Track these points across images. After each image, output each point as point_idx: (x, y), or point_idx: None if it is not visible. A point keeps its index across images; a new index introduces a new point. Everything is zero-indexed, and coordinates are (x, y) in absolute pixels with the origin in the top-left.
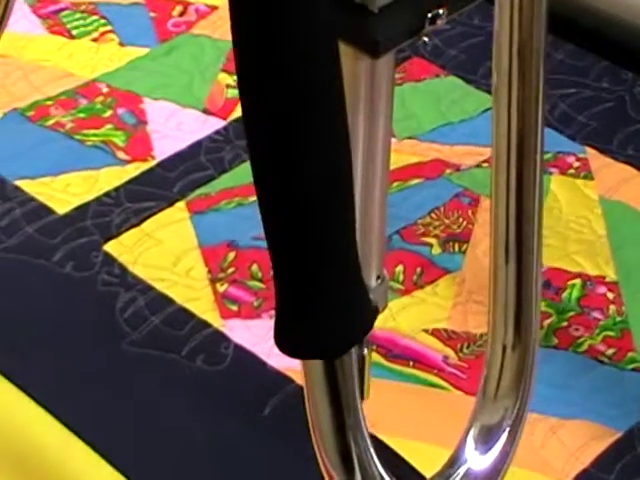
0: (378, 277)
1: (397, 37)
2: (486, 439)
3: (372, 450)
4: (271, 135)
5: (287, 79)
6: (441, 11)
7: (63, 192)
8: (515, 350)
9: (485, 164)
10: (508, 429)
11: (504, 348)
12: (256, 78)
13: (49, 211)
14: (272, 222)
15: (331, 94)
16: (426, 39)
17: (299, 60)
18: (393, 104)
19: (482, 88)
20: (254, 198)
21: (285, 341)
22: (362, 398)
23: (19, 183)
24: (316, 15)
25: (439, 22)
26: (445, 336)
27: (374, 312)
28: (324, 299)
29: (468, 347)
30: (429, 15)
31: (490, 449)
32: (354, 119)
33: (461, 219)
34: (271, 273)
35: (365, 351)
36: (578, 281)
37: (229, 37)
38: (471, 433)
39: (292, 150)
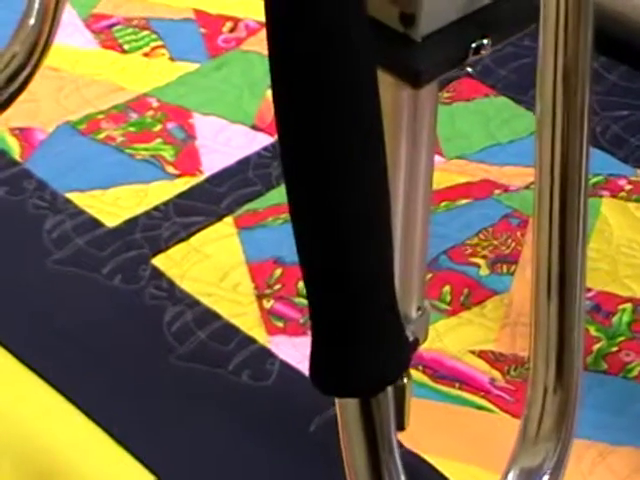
0: (419, 308)
1: (440, 67)
2: None
3: None
4: (307, 167)
5: (325, 109)
6: (485, 41)
7: (113, 205)
8: (557, 392)
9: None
10: (549, 473)
11: (545, 389)
12: (292, 104)
13: (99, 224)
14: (307, 257)
15: (370, 128)
16: (470, 69)
17: (337, 91)
18: (435, 133)
19: (532, 109)
20: None
21: (319, 377)
22: (400, 429)
23: (70, 196)
24: (355, 46)
25: (483, 52)
26: (492, 358)
27: (411, 348)
28: (360, 336)
29: (515, 369)
30: (473, 45)
31: None
32: (396, 149)
33: (510, 240)
34: None
35: (405, 380)
36: (629, 305)
37: None
38: (510, 476)
39: (329, 184)
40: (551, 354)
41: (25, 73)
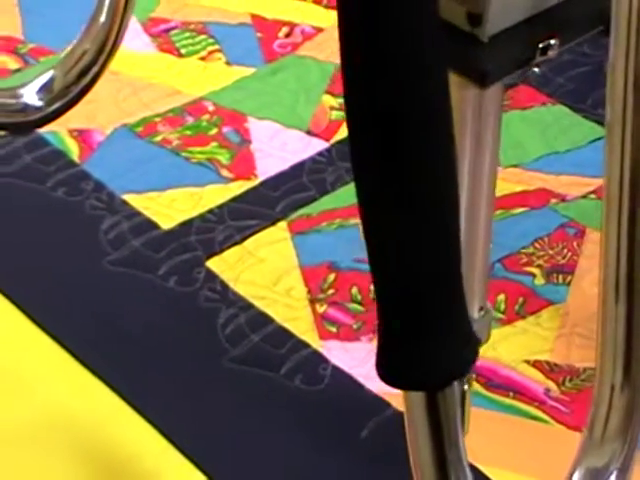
0: (481, 308)
1: (506, 67)
2: None
3: None
4: (378, 165)
5: (397, 110)
6: (553, 41)
7: (168, 207)
8: (624, 391)
9: (592, 195)
10: (616, 473)
11: (612, 388)
12: (364, 107)
13: (154, 226)
14: (378, 251)
15: (441, 127)
16: (536, 69)
17: (408, 92)
18: (500, 135)
19: (590, 118)
20: (356, 220)
21: (386, 370)
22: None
23: (126, 197)
24: (426, 48)
25: (550, 53)
26: (547, 368)
27: (478, 345)
28: (428, 330)
29: (571, 380)
30: (540, 45)
31: None
32: (460, 149)
33: (566, 250)
34: (371, 296)
35: (465, 386)
36: None
37: (334, 59)
38: (576, 476)
39: (402, 180)
40: (618, 352)
41: (95, 69)
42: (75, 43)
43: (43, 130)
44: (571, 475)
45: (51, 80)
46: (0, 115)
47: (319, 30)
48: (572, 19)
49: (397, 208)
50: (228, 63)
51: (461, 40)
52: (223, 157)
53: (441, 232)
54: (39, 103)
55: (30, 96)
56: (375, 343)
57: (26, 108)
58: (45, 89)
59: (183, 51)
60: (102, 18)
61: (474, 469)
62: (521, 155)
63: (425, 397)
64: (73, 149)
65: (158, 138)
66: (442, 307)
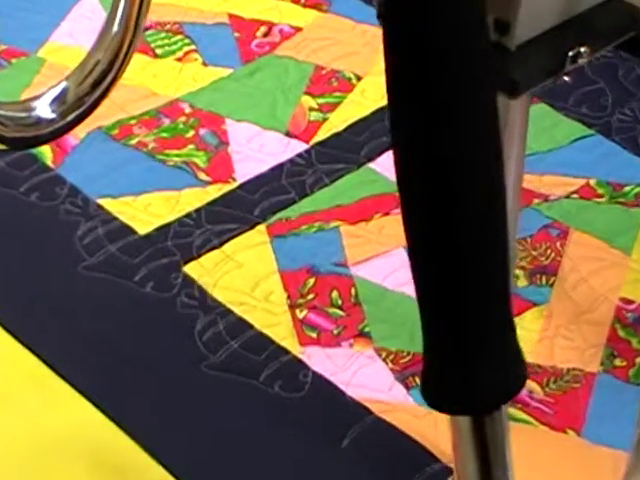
0: None
1: (535, 77)
2: None
3: None
4: (427, 184)
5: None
6: (583, 49)
7: (144, 212)
8: None
9: (575, 195)
10: None
11: None
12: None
13: (130, 231)
14: (422, 272)
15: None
16: (567, 78)
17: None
18: (525, 145)
19: (572, 116)
20: (335, 223)
21: (432, 392)
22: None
23: (101, 202)
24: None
25: (581, 61)
26: (530, 370)
27: (525, 364)
28: (478, 349)
29: (555, 382)
30: (570, 54)
31: None
32: None
33: (549, 251)
34: (352, 300)
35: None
36: None
37: (313, 59)
38: None
39: (452, 197)
40: None
41: (109, 79)
42: (88, 53)
43: None
44: None
45: (64, 92)
46: (14, 129)
47: (298, 29)
48: (602, 26)
49: (443, 223)
50: (205, 64)
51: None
52: (200, 160)
53: (489, 249)
54: (52, 115)
55: (43, 109)
56: (355, 349)
57: (39, 121)
58: (58, 101)
59: (159, 52)
60: (115, 27)
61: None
62: None
63: (472, 421)
64: (47, 153)
65: (133, 141)
66: (490, 328)
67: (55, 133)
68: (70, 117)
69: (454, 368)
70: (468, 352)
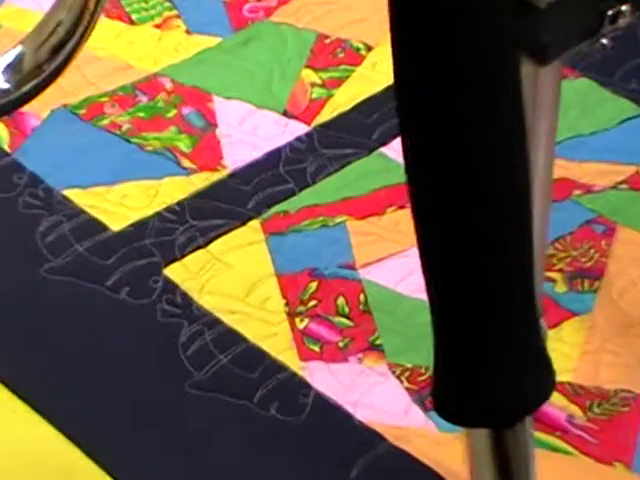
0: None
1: (569, 39)
2: None
3: None
4: (437, 168)
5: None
6: (624, 8)
7: (118, 205)
8: None
9: (623, 185)
10: None
11: None
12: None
13: (102, 227)
14: (433, 269)
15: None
16: (605, 41)
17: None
18: (557, 117)
19: (620, 93)
20: (342, 218)
21: (446, 404)
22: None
23: (68, 193)
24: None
25: (621, 21)
26: (570, 391)
27: (553, 370)
28: (498, 353)
29: (599, 405)
30: (609, 13)
31: None
32: None
33: (592, 251)
34: (361, 308)
35: None
36: None
37: (315, 26)
38: None
39: (465, 184)
40: None
41: (72, 43)
42: (47, 13)
43: None
44: None
45: (19, 58)
46: None
47: None
48: None
49: (455, 213)
50: (188, 32)
51: (515, 8)
52: (183, 144)
53: (511, 241)
54: (5, 85)
55: None
56: (365, 364)
57: None
58: (12, 69)
59: (135, 17)
60: None
61: None
62: None
63: (491, 435)
64: (2, 135)
65: (105, 122)
66: (512, 331)
67: (8, 106)
68: (26, 87)
69: (470, 375)
70: (486, 357)
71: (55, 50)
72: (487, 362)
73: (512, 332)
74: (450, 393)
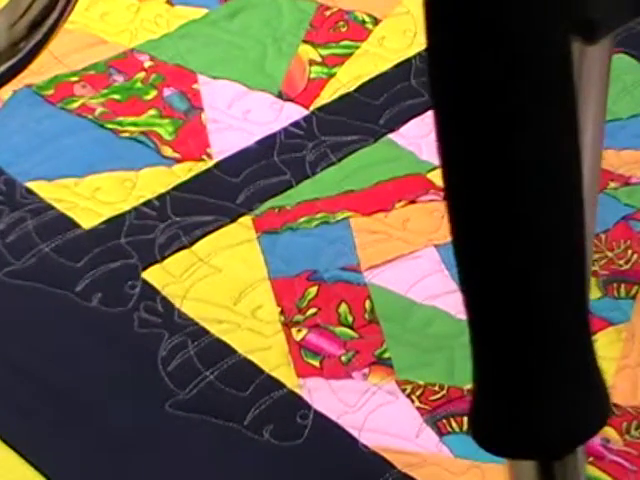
0: None
1: (621, 14)
2: None
3: None
4: (482, 152)
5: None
6: None
7: (90, 199)
8: None
9: None
10: None
11: None
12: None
13: (71, 224)
14: (471, 277)
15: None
16: None
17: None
18: (606, 100)
19: None
20: (345, 214)
21: (485, 430)
22: None
23: (32, 185)
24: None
25: None
26: None
27: (609, 394)
28: (547, 375)
29: (638, 428)
30: None
31: None
32: None
33: (630, 252)
34: (366, 317)
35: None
36: None
37: None
38: None
39: (512, 175)
40: None
41: (51, 19)
42: None
43: None
44: None
45: None
46: None
47: None
48: None
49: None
50: (170, 2)
51: None
52: (164, 130)
53: (561, 246)
54: None
55: None
56: (371, 381)
57: None
58: None
59: None
60: None
61: None
62: None
63: (538, 467)
64: None
65: (75, 105)
66: (564, 344)
67: None
68: (1, 68)
69: (514, 400)
70: (533, 379)
71: (33, 26)
72: (535, 384)
73: (565, 350)
74: (491, 419)
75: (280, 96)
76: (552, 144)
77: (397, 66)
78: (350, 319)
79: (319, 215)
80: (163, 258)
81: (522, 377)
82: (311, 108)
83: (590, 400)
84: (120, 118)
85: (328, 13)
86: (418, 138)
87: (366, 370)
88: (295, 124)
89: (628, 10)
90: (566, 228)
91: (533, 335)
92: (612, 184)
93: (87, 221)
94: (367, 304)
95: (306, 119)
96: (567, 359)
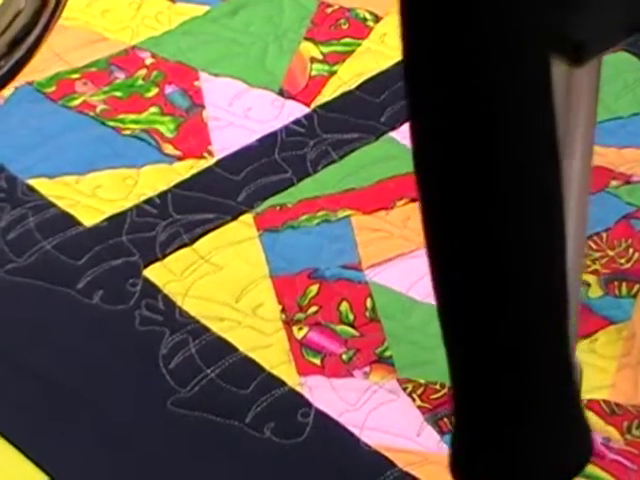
0: None
1: (608, 37)
2: None
3: None
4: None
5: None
6: None
7: (92, 197)
8: None
9: None
10: None
11: None
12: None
13: (73, 222)
14: (448, 300)
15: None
16: None
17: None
18: (595, 119)
19: None
20: (346, 212)
21: (464, 468)
22: None
23: (33, 183)
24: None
25: None
26: (606, 411)
27: (590, 429)
28: (524, 414)
29: (639, 427)
30: None
31: None
32: None
33: (631, 250)
34: (367, 315)
35: None
36: None
37: None
38: None
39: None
40: None
41: (33, 36)
42: (4, 1)
43: None
44: None
45: None
46: None
47: None
48: None
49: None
50: None
51: (548, 1)
52: (166, 128)
53: (541, 273)
54: None
55: None
56: (372, 380)
57: None
58: None
59: None
60: None
61: None
62: None
63: None
64: None
65: (76, 102)
66: (542, 381)
67: None
68: None
69: (494, 431)
70: (514, 407)
71: (14, 43)
72: (517, 416)
73: (543, 387)
74: (471, 456)
75: (281, 94)
76: (530, 176)
77: (398, 64)
78: (351, 317)
79: (320, 213)
80: (164, 256)
81: (502, 414)
82: (312, 106)
83: (574, 439)
84: (121, 115)
85: (329, 10)
86: None
87: (367, 368)
88: (296, 122)
89: (617, 32)
90: (549, 249)
91: (508, 371)
92: (613, 182)
93: (88, 218)
94: (368, 302)
95: (307, 117)
96: (548, 399)
